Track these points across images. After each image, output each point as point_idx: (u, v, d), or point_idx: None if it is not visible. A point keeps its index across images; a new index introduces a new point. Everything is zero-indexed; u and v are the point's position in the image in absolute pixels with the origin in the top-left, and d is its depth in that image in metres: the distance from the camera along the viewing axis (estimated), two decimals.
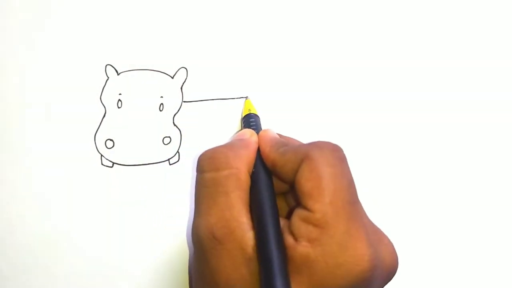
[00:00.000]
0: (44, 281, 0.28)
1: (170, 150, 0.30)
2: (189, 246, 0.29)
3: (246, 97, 0.31)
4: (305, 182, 0.20)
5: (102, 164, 0.30)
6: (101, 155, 0.30)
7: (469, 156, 0.31)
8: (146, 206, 0.29)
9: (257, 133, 0.25)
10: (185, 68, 0.31)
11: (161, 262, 0.29)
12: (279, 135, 0.26)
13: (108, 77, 0.31)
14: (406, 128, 0.31)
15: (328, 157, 0.21)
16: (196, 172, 0.23)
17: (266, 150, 0.23)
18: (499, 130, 0.32)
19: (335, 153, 0.21)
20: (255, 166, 0.23)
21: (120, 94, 0.30)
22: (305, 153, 0.21)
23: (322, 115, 0.31)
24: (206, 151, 0.23)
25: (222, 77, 0.31)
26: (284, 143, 0.23)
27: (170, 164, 0.30)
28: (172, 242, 0.29)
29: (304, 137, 0.26)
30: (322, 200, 0.20)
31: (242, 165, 0.22)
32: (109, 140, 0.30)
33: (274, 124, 0.30)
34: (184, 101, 0.31)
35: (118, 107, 0.30)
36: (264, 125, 0.29)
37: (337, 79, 0.31)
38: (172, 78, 0.31)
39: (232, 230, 0.20)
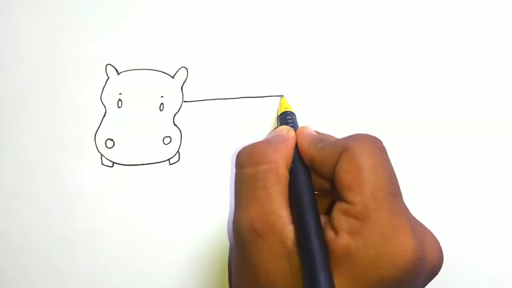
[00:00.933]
0: (44, 281, 0.28)
1: (170, 150, 0.30)
2: (230, 242, 0.28)
3: (282, 96, 0.30)
4: (345, 175, 0.20)
5: (102, 164, 0.30)
6: (101, 155, 0.30)
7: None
8: (146, 206, 0.29)
9: (295, 130, 0.25)
10: (185, 67, 0.31)
11: (161, 262, 0.28)
12: (317, 132, 0.26)
13: (108, 77, 0.31)
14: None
15: (368, 149, 0.20)
16: (235, 168, 0.23)
17: (304, 146, 0.23)
18: None
19: (375, 145, 0.21)
20: (293, 161, 0.23)
21: (120, 93, 0.30)
22: (344, 146, 0.21)
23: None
24: (245, 147, 0.23)
25: (222, 77, 0.31)
26: (322, 139, 0.23)
27: (170, 164, 0.30)
28: (172, 242, 0.29)
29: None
30: (362, 193, 0.19)
31: (281, 159, 0.22)
32: (109, 140, 0.30)
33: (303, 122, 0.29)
34: (185, 101, 0.30)
35: (118, 107, 0.30)
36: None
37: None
38: (173, 77, 0.31)
39: (272, 223, 0.20)
